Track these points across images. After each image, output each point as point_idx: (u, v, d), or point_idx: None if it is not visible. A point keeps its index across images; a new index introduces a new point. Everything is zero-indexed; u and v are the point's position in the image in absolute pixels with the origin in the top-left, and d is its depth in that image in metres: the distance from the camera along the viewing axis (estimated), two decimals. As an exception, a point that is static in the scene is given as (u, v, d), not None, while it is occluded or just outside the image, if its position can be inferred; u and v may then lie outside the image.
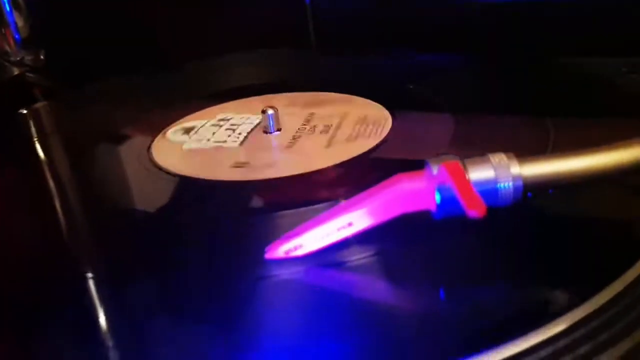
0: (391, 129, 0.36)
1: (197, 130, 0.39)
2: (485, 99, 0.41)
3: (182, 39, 0.61)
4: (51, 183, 0.38)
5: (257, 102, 0.42)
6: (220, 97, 0.44)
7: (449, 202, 0.24)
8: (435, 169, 0.24)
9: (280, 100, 0.42)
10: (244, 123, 0.39)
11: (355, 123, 0.37)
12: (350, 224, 0.25)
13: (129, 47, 0.61)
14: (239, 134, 0.38)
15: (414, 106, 0.40)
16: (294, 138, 0.36)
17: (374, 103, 0.40)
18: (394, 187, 0.25)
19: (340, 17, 0.60)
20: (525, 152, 0.25)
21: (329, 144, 0.35)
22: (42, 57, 0.59)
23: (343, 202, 0.25)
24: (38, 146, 0.43)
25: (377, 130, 0.36)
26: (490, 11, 0.50)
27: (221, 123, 0.39)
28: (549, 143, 0.33)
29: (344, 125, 0.37)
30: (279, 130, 0.38)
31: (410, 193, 0.25)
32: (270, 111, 0.37)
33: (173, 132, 0.39)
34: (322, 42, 0.61)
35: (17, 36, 0.59)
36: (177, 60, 0.58)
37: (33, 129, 0.46)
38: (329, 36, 0.61)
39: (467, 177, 0.23)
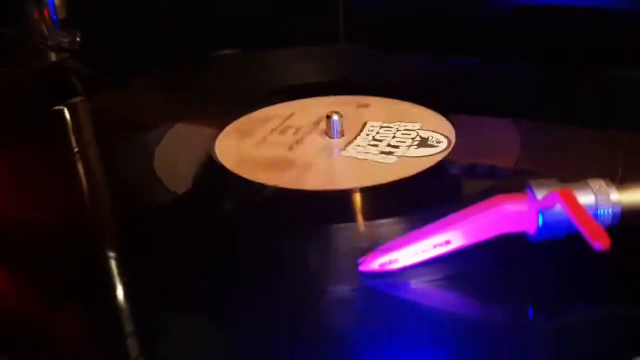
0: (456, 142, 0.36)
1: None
2: (548, 109, 0.40)
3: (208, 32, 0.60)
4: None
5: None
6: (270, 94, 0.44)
7: (550, 226, 0.24)
8: (540, 194, 0.24)
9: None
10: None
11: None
12: (447, 242, 0.25)
13: (166, 36, 0.60)
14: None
15: (475, 115, 0.40)
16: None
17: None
18: (496, 209, 0.25)
19: (373, 12, 0.59)
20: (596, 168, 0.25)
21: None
22: (78, 39, 0.59)
23: (442, 219, 0.25)
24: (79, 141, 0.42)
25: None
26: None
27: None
28: (618, 160, 0.33)
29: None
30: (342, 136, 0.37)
31: (510, 215, 0.25)
32: (335, 117, 0.37)
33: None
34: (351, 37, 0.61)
35: (54, 17, 0.58)
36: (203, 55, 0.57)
37: (75, 124, 0.45)
38: (360, 32, 0.60)
39: (584, 208, 0.23)
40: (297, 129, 0.39)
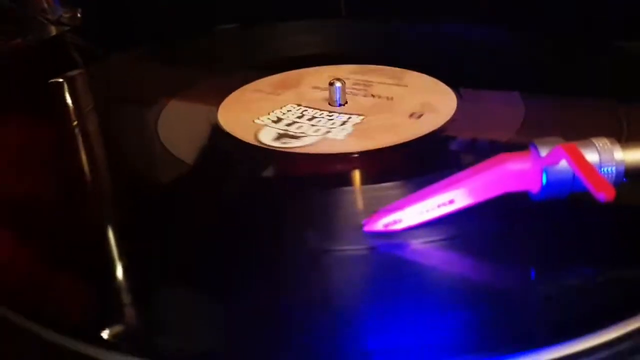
0: (458, 108, 0.36)
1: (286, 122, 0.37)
2: (549, 79, 0.40)
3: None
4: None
5: (312, 73, 0.42)
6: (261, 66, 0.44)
7: (555, 184, 0.24)
8: (544, 151, 0.24)
9: (339, 72, 0.42)
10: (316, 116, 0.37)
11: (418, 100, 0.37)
12: (451, 201, 0.25)
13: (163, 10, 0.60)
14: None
15: (473, 83, 0.39)
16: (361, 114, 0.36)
17: (432, 78, 0.40)
18: (499, 167, 0.25)
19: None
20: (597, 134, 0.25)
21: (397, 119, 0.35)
22: (79, 15, 0.59)
23: (445, 179, 0.25)
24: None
25: (441, 108, 0.36)
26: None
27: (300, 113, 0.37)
28: (622, 127, 0.33)
29: (407, 100, 0.37)
30: (345, 104, 0.37)
31: (514, 174, 0.25)
32: (337, 84, 0.37)
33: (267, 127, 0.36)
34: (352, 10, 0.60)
35: (54, -8, 0.58)
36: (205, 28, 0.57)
37: (74, 96, 0.45)
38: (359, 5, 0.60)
39: (588, 160, 0.23)
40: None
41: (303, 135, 0.34)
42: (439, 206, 0.25)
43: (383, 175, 0.31)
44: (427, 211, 0.25)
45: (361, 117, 0.36)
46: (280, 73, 0.43)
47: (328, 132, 0.34)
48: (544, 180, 0.24)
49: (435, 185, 0.25)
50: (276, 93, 0.40)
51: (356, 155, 0.32)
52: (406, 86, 0.40)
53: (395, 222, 0.25)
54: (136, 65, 0.48)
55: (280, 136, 0.34)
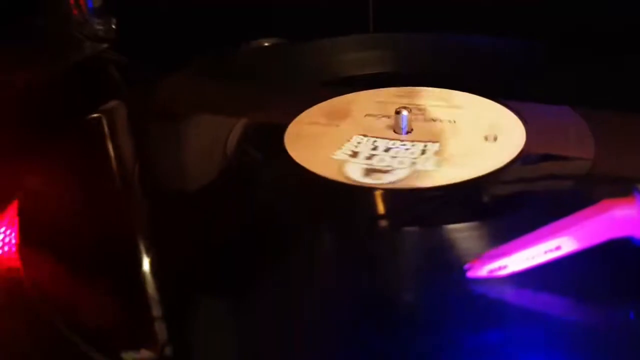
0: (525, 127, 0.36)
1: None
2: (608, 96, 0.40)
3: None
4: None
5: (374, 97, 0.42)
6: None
7: (661, 231, 0.24)
8: (650, 199, 0.24)
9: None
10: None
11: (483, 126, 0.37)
12: (558, 248, 0.25)
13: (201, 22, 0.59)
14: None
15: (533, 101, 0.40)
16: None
17: (479, 97, 0.40)
18: (605, 215, 0.25)
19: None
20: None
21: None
22: (114, 26, 0.58)
23: (550, 225, 0.25)
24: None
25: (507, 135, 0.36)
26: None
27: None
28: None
29: (472, 122, 0.37)
30: (411, 131, 0.37)
31: (619, 220, 0.25)
32: (404, 112, 0.37)
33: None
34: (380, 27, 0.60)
35: (90, 4, 0.58)
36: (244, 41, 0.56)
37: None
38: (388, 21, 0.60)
39: None
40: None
41: (391, 168, 0.34)
42: (545, 252, 0.25)
43: (492, 206, 0.31)
44: (533, 257, 0.25)
45: (437, 144, 0.35)
46: (326, 101, 0.42)
47: (413, 162, 0.34)
48: (651, 228, 0.24)
49: (541, 231, 0.25)
50: (334, 124, 0.39)
51: (460, 185, 0.32)
52: (460, 107, 0.39)
53: (500, 268, 0.25)
54: (185, 88, 0.48)
55: (368, 172, 0.33)
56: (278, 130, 0.38)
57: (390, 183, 0.32)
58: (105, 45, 0.53)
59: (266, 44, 0.55)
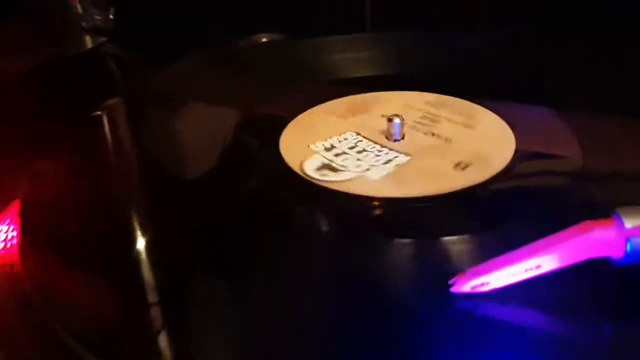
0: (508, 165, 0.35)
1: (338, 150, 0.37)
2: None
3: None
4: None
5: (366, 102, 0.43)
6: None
7: (638, 253, 0.26)
8: (628, 222, 0.25)
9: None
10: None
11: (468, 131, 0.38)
12: (538, 267, 0.26)
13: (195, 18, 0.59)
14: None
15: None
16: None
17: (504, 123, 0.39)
18: (585, 236, 0.26)
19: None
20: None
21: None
22: (111, 16, 0.58)
23: (532, 244, 0.26)
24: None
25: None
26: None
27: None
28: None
29: (463, 146, 0.37)
30: (402, 139, 0.38)
31: (598, 241, 0.26)
32: (397, 120, 0.38)
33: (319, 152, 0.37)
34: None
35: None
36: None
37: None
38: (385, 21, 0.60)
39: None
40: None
41: (343, 169, 0.35)
42: (525, 270, 0.26)
43: (393, 228, 0.31)
44: (514, 275, 0.26)
45: (408, 158, 0.36)
46: (359, 94, 0.44)
47: (368, 169, 0.35)
48: (628, 249, 0.26)
49: (523, 250, 0.26)
50: (345, 117, 0.41)
51: (376, 202, 0.32)
52: (472, 128, 0.39)
53: (482, 284, 0.26)
54: (194, 77, 0.48)
55: (322, 166, 0.35)
56: (286, 118, 0.40)
57: (329, 182, 0.34)
58: (103, 39, 0.53)
59: (264, 39, 0.56)
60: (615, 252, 0.26)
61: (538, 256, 0.26)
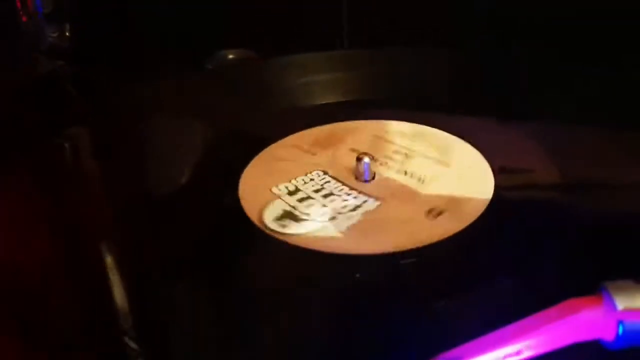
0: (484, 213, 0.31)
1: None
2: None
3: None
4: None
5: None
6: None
7: (631, 336, 0.23)
8: (620, 303, 0.22)
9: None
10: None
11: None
12: (518, 352, 0.23)
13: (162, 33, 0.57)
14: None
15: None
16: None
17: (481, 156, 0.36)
18: (571, 317, 0.23)
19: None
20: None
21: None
22: (67, 33, 0.55)
23: (512, 326, 0.23)
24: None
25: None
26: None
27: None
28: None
29: (437, 187, 0.34)
30: (372, 179, 0.35)
31: (586, 323, 0.23)
32: (366, 159, 0.35)
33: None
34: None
35: (39, 9, 0.54)
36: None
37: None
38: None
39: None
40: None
41: (306, 219, 0.31)
42: (505, 357, 0.23)
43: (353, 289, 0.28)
44: (492, 361, 0.23)
45: (377, 204, 0.33)
46: (328, 125, 0.40)
47: (334, 218, 0.31)
48: (620, 331, 0.23)
49: (500, 333, 0.23)
50: (312, 152, 0.37)
51: (338, 262, 0.29)
52: (447, 165, 0.35)
53: (457, 372, 0.23)
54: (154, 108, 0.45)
55: (284, 215, 0.32)
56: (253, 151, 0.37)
57: (287, 235, 0.30)
58: (60, 63, 0.50)
59: (231, 56, 0.52)
60: (606, 335, 0.23)
61: (519, 341, 0.23)
